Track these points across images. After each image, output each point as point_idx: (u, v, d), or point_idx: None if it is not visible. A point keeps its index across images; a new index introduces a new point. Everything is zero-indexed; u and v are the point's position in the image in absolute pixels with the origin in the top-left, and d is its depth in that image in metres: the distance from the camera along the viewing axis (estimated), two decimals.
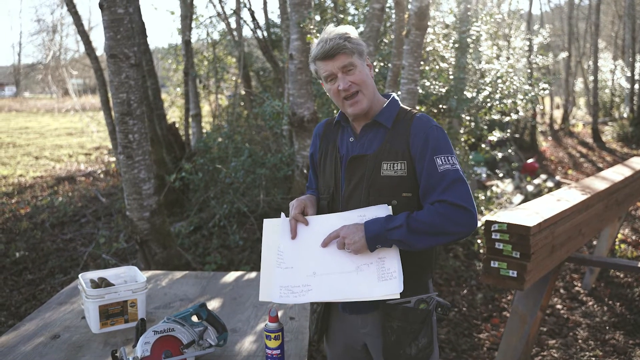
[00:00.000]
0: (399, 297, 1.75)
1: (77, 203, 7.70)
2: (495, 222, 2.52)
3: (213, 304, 2.63)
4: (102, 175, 10.18)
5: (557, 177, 10.55)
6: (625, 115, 19.46)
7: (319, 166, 2.05)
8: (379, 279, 1.78)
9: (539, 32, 11.52)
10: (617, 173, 4.39)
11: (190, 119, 7.93)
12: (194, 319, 2.12)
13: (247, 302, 2.65)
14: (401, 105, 1.95)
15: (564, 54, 18.39)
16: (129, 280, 2.56)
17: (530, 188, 8.78)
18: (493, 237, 2.51)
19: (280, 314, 2.48)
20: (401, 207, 1.81)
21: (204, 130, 8.32)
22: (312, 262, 1.86)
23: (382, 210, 1.81)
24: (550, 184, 9.67)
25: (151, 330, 1.96)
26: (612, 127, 18.46)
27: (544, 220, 2.53)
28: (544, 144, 15.91)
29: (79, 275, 2.45)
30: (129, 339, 2.24)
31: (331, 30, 1.85)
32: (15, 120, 22.50)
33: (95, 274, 2.51)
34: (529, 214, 2.66)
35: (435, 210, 1.71)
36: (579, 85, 25.71)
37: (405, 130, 1.84)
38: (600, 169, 11.98)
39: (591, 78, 20.41)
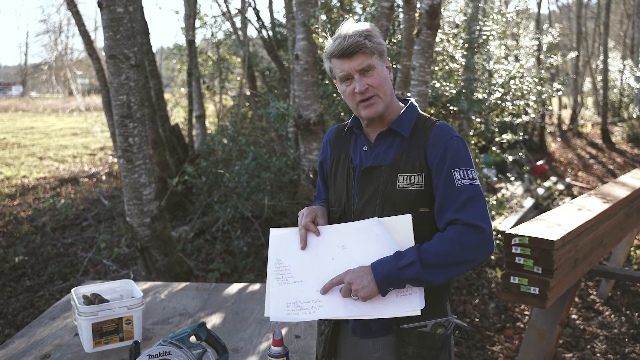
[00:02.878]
0: (419, 313, 1.60)
1: (79, 206, 7.58)
2: (516, 235, 2.35)
3: (214, 320, 2.49)
4: (104, 177, 10.07)
5: (567, 180, 10.35)
6: (634, 115, 19.18)
7: (329, 176, 1.90)
8: (398, 294, 1.63)
9: (548, 32, 11.32)
10: (636, 178, 4.22)
11: (194, 120, 7.80)
12: (193, 339, 1.98)
13: (250, 318, 2.50)
14: (420, 112, 1.80)
15: (573, 54, 18.14)
16: (125, 294, 2.42)
17: (540, 191, 8.59)
18: (513, 251, 2.34)
19: (284, 332, 2.33)
20: (418, 223, 1.65)
21: (208, 132, 8.19)
22: (324, 275, 1.69)
23: (402, 220, 1.65)
24: (560, 186, 9.48)
25: (145, 355, 1.82)
26: (622, 128, 18.20)
27: (568, 233, 2.37)
28: (553, 145, 15.67)
29: (72, 290, 2.32)
30: (123, 359, 2.09)
31: (350, 25, 1.69)
32: (21, 120, 22.50)
33: (88, 289, 2.37)
34: (550, 225, 2.50)
35: (447, 236, 1.56)
36: (586, 85, 25.43)
37: (424, 140, 1.68)
38: (610, 171, 11.76)
39: (599, 78, 20.11)
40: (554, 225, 2.51)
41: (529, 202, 7.73)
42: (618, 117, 22.01)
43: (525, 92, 5.25)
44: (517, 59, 9.51)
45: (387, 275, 1.57)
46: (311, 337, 2.29)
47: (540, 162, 10.46)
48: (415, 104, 1.81)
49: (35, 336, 2.30)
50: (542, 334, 2.90)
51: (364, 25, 1.69)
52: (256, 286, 2.94)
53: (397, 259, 1.57)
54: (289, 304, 1.71)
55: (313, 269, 1.73)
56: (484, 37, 6.02)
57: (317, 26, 4.52)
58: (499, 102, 5.25)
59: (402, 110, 1.76)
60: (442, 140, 1.66)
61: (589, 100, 26.87)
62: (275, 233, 1.83)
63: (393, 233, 1.66)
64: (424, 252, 1.55)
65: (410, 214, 1.65)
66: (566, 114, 23.35)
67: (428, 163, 1.65)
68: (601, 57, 19.17)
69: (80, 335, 2.19)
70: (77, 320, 2.18)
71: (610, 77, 22.49)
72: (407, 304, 1.61)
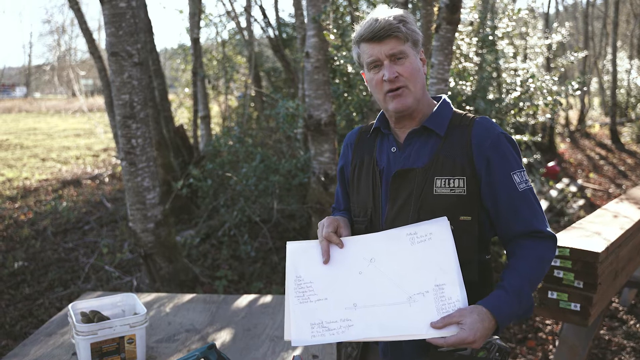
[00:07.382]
0: None
1: (82, 209, 7.40)
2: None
3: (223, 337, 2.30)
4: (107, 179, 9.89)
5: (579, 181, 10.13)
6: None
7: (350, 182, 1.70)
8: (439, 311, 1.43)
9: (558, 31, 11.10)
10: None
11: (198, 121, 7.62)
12: None
13: (262, 334, 2.31)
14: (454, 108, 1.61)
15: (584, 53, 17.88)
16: (127, 310, 2.23)
17: (553, 193, 8.37)
18: (552, 263, 2.14)
19: (299, 351, 2.14)
20: (458, 234, 1.46)
21: (213, 132, 8.01)
22: (351, 291, 1.50)
23: (438, 225, 1.47)
24: (573, 188, 9.25)
25: None
26: (631, 128, 17.92)
27: (611, 244, 2.17)
28: (562, 145, 15.43)
29: (69, 306, 2.13)
30: None
31: (384, 9, 1.53)
32: (24, 121, 22.36)
33: (87, 304, 2.18)
34: (589, 235, 2.30)
35: (527, 255, 1.45)
36: (593, 85, 25.15)
37: (465, 139, 1.49)
38: (622, 172, 11.55)
39: (606, 78, 19.84)
40: (593, 234, 2.31)
41: (542, 205, 7.52)
42: (625, 117, 21.74)
43: (545, 90, 5.04)
44: (526, 58, 9.30)
45: (510, 321, 1.43)
46: (330, 356, 2.10)
47: (551, 164, 10.24)
48: (448, 100, 1.63)
49: (29, 356, 2.11)
50: (574, 350, 2.70)
51: (399, 11, 1.53)
52: (267, 298, 2.75)
53: (518, 301, 1.42)
54: (313, 324, 1.50)
55: (338, 285, 1.53)
56: (498, 35, 5.82)
57: (327, 22, 4.33)
58: (519, 101, 5.05)
59: (435, 107, 1.58)
60: (490, 138, 1.48)
61: (595, 101, 26.60)
62: (292, 247, 1.62)
63: (429, 241, 1.48)
64: (529, 284, 1.43)
65: (445, 217, 1.47)
66: (573, 115, 23.08)
67: (475, 165, 1.48)
68: (609, 57, 18.89)
69: (78, 355, 2.00)
70: (75, 339, 1.99)
71: (617, 77, 22.20)
72: None
